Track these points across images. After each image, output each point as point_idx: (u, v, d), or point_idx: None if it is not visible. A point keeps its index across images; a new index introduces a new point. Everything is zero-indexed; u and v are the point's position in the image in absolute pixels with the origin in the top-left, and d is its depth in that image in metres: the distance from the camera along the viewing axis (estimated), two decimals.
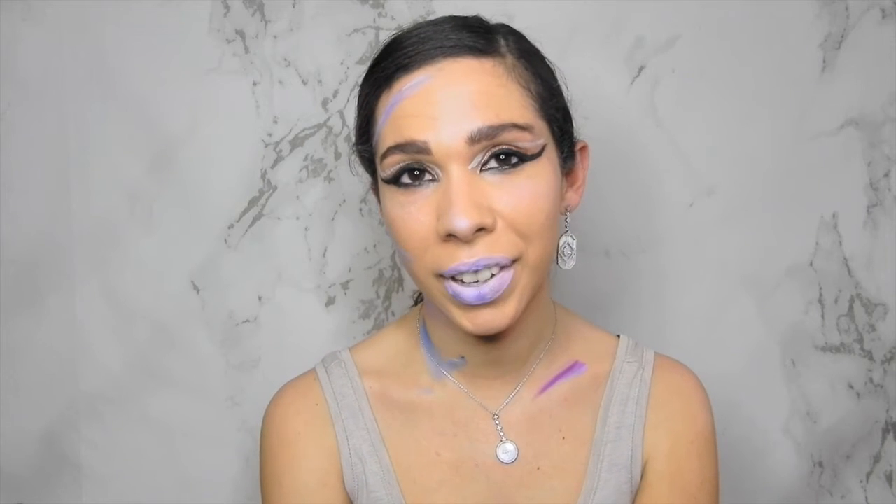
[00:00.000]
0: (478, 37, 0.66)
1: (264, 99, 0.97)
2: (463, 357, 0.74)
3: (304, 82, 0.97)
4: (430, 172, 0.64)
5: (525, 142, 0.64)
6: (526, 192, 0.64)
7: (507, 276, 0.64)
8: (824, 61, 1.01)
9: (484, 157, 0.64)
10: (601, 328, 0.81)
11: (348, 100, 0.97)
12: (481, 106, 0.63)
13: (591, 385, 0.77)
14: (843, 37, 1.01)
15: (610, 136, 0.98)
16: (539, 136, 0.66)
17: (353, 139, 0.72)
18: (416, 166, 0.64)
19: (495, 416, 0.74)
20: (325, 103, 0.97)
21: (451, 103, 0.63)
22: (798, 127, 1.01)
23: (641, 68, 0.99)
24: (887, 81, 1.02)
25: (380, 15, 0.97)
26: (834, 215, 1.03)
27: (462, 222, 0.61)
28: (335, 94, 0.97)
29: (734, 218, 1.01)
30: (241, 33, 0.96)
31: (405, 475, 0.73)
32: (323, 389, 0.76)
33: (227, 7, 0.96)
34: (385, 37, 0.95)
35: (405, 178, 0.65)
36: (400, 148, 0.64)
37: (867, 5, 1.01)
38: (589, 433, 0.75)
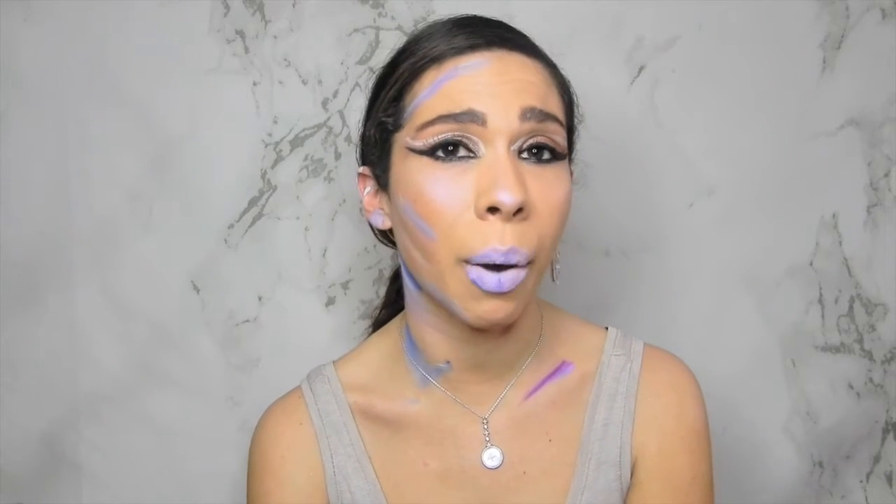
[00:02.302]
0: (528, 40, 0.69)
1: (264, 99, 0.97)
2: (448, 362, 0.73)
3: (304, 82, 0.97)
4: (468, 149, 0.64)
5: (559, 138, 0.67)
6: (555, 189, 0.66)
7: (522, 273, 0.64)
8: (824, 61, 1.01)
9: (525, 142, 0.65)
10: (590, 322, 0.80)
11: (348, 100, 0.97)
12: (534, 93, 0.66)
13: (579, 384, 0.76)
14: (843, 37, 1.01)
15: (610, 136, 0.99)
16: (566, 140, 0.68)
17: (370, 111, 0.72)
18: (458, 139, 0.64)
19: (484, 421, 0.74)
20: (325, 103, 0.97)
21: (506, 86, 0.65)
22: (798, 127, 1.01)
23: (641, 68, 0.99)
24: (887, 81, 1.02)
25: (380, 15, 0.97)
26: (834, 215, 1.03)
27: (510, 196, 0.62)
28: (335, 94, 0.97)
29: (734, 218, 1.01)
30: (241, 33, 0.96)
31: (393, 488, 0.73)
32: (308, 408, 0.76)
33: (227, 7, 0.96)
34: (385, 37, 0.96)
35: (440, 153, 0.65)
36: (454, 117, 0.64)
37: (867, 5, 1.01)
38: (577, 433, 0.74)
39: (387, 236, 0.77)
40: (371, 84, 0.73)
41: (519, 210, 0.63)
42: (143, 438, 0.99)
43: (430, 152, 0.65)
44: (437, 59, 0.66)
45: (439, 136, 0.64)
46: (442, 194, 0.64)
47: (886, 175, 1.03)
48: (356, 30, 0.97)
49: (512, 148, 0.64)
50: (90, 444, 0.99)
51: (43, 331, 0.98)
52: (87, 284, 0.98)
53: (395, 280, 0.85)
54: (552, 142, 0.66)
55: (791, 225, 1.02)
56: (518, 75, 0.66)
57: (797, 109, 1.01)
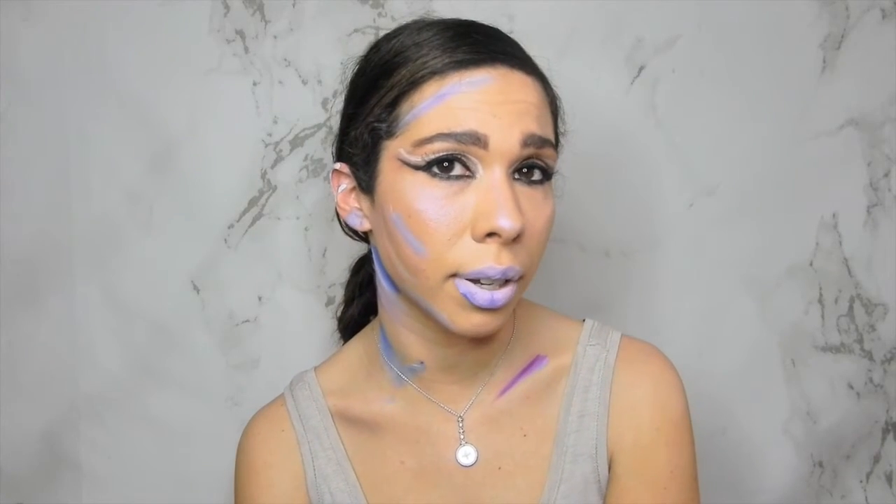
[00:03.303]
0: (525, 53, 0.69)
1: (264, 99, 0.97)
2: (422, 362, 0.73)
3: (304, 82, 0.97)
4: (466, 167, 0.64)
5: (552, 161, 0.67)
6: (544, 209, 0.67)
7: (514, 289, 0.65)
8: (824, 61, 1.01)
9: (520, 164, 0.65)
10: (566, 316, 0.79)
11: None
12: (535, 116, 0.65)
13: (554, 377, 0.75)
14: (843, 37, 1.01)
15: (610, 136, 0.99)
16: (556, 162, 0.69)
17: (356, 111, 0.69)
18: (457, 157, 0.63)
19: (459, 419, 0.74)
20: (325, 103, 0.97)
21: (509, 107, 0.64)
22: (798, 127, 1.01)
23: (641, 68, 0.99)
24: (887, 81, 1.02)
25: (380, 15, 0.97)
26: (834, 215, 1.03)
27: (510, 223, 0.62)
28: (335, 94, 0.97)
29: (734, 218, 1.01)
30: (241, 33, 0.96)
31: (372, 488, 0.74)
32: (290, 414, 0.77)
33: (227, 7, 0.96)
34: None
35: (435, 168, 0.64)
36: (455, 136, 0.63)
37: (867, 5, 1.01)
38: (552, 426, 0.74)
39: (354, 230, 0.77)
40: (351, 78, 0.72)
41: (518, 235, 0.63)
42: (143, 438, 0.99)
43: (426, 167, 0.64)
44: (439, 72, 0.64)
45: (436, 155, 0.64)
46: (438, 214, 0.64)
47: (886, 175, 1.03)
48: (356, 30, 0.97)
49: (510, 170, 0.64)
50: (90, 444, 0.99)
51: (43, 331, 0.98)
52: (87, 284, 0.98)
53: (357, 273, 0.84)
54: (545, 164, 0.66)
55: (791, 225, 1.02)
56: (520, 96, 0.65)
57: (797, 109, 1.01)
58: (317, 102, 0.97)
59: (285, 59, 0.97)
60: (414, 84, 0.65)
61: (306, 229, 0.99)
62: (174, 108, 0.96)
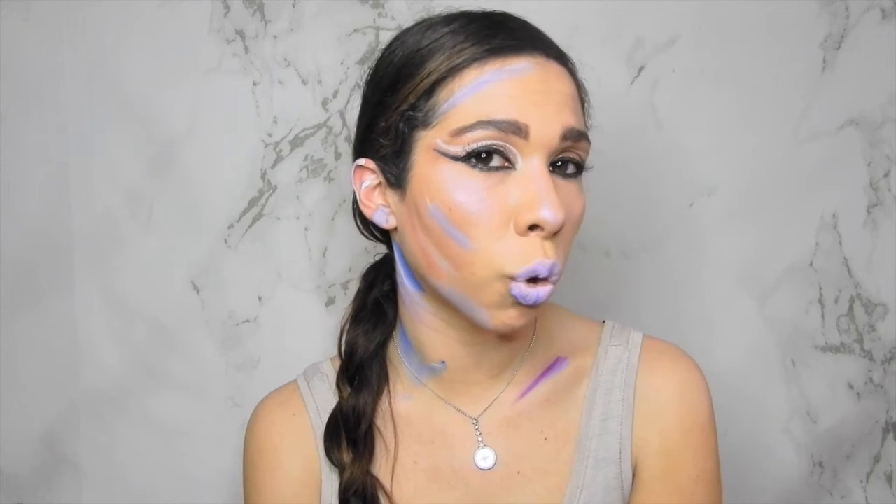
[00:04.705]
0: (556, 45, 0.68)
1: (264, 99, 0.97)
2: (443, 362, 0.72)
3: (304, 82, 0.97)
4: (506, 158, 0.63)
5: (585, 154, 0.66)
6: (577, 203, 0.66)
7: (552, 286, 0.64)
8: (824, 61, 1.01)
9: (557, 157, 0.64)
10: (585, 317, 0.78)
11: (348, 100, 0.97)
12: (572, 109, 0.65)
13: (574, 378, 0.74)
14: (843, 37, 1.01)
15: (610, 136, 0.98)
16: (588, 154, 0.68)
17: (381, 102, 0.67)
18: (497, 148, 0.62)
19: (475, 421, 0.73)
20: (325, 103, 0.97)
21: (549, 98, 0.63)
22: (798, 127, 1.01)
23: (641, 68, 0.99)
24: (887, 81, 1.02)
25: (380, 15, 0.97)
26: (834, 215, 1.03)
27: (553, 215, 0.61)
28: (335, 94, 0.97)
29: (734, 218, 1.01)
30: (241, 33, 0.96)
31: (384, 484, 0.73)
32: (304, 400, 0.76)
33: (227, 7, 0.96)
34: (385, 37, 0.96)
35: (474, 160, 0.63)
36: (495, 125, 0.61)
37: (867, 5, 1.01)
38: (574, 430, 0.72)
39: (371, 231, 0.76)
40: (375, 67, 0.69)
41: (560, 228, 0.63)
42: (143, 438, 0.99)
43: (466, 158, 0.62)
44: (479, 58, 0.63)
45: (479, 143, 0.62)
46: (481, 206, 0.62)
47: (886, 175, 1.03)
48: (356, 30, 0.97)
49: (547, 162, 0.63)
50: (90, 444, 0.99)
51: (43, 331, 0.98)
52: (87, 284, 0.98)
53: (370, 289, 0.77)
54: (580, 158, 0.66)
55: (791, 225, 1.02)
56: (558, 87, 0.64)
57: (797, 109, 1.01)
58: (317, 102, 0.97)
59: (285, 59, 0.97)
60: (452, 71, 0.63)
61: (306, 229, 0.99)
62: (174, 108, 0.96)
